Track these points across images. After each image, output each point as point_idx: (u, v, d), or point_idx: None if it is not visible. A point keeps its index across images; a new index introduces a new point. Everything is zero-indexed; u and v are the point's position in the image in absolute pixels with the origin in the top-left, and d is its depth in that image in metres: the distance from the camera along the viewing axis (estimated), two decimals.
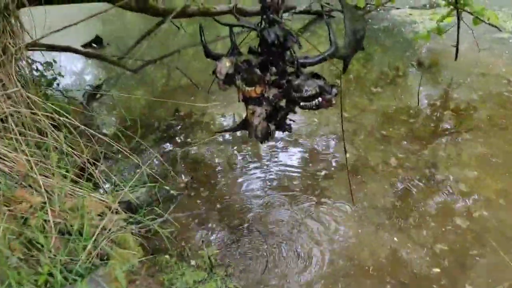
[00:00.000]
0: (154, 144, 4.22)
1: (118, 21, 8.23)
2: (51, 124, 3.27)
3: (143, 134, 4.35)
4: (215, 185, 3.68)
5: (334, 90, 2.53)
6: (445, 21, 5.16)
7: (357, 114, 4.53)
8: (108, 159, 3.97)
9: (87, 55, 4.95)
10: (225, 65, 2.41)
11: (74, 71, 5.64)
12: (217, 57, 2.74)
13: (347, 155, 3.88)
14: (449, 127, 4.34)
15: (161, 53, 6.34)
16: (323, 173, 3.71)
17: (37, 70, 4.27)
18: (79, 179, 3.23)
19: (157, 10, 5.51)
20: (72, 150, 3.13)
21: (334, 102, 2.55)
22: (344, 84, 5.14)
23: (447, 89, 5.12)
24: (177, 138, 4.31)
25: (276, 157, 3.94)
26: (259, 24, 2.65)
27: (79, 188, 3.08)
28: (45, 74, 4.41)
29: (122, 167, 3.84)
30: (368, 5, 7.05)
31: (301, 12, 5.55)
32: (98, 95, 5.00)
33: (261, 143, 2.65)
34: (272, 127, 2.58)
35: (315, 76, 2.55)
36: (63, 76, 4.50)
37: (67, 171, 3.02)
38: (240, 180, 3.72)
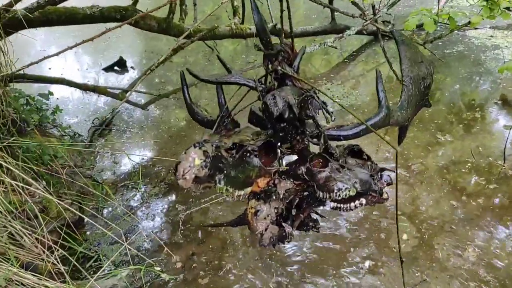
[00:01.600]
0: (154, 201, 3.39)
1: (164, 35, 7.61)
2: None
3: (146, 185, 3.58)
4: (219, 268, 2.77)
5: (387, 178, 1.53)
6: None
7: (418, 172, 3.44)
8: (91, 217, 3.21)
9: (83, 88, 4.26)
10: (192, 163, 1.40)
11: (80, 102, 4.95)
12: (206, 122, 1.83)
13: (404, 236, 2.87)
14: None
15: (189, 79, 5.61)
16: (367, 264, 2.69)
17: (27, 104, 3.60)
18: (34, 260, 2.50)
19: (181, 30, 4.76)
20: (21, 228, 2.36)
21: (387, 197, 1.54)
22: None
23: None
24: (183, 194, 3.45)
25: (305, 234, 2.96)
26: (262, 80, 1.72)
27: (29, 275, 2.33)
28: (40, 107, 3.74)
29: (106, 236, 3.03)
30: (439, 26, 5.91)
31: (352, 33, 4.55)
32: (106, 131, 4.28)
33: (273, 247, 1.66)
34: (289, 228, 1.58)
35: (354, 152, 1.57)
36: (61, 111, 3.80)
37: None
38: (252, 264, 2.79)
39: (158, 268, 2.80)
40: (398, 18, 6.54)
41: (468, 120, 4.15)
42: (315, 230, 1.76)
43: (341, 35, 3.83)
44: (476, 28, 5.84)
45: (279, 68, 1.60)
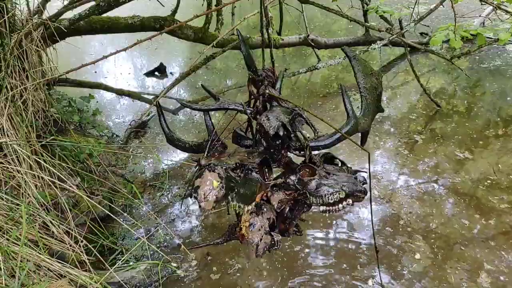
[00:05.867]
0: (177, 202, 3.60)
1: None
2: None
3: (172, 186, 3.81)
4: (229, 267, 2.93)
5: (361, 178, 1.72)
6: None
7: (431, 190, 3.45)
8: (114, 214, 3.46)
9: (119, 93, 4.55)
10: (210, 185, 1.56)
11: (119, 103, 5.29)
12: (187, 148, 2.03)
13: (417, 255, 2.90)
14: None
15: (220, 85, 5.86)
16: (370, 282, 2.75)
17: (69, 106, 3.94)
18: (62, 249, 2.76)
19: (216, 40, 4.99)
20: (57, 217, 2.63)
21: (364, 196, 1.72)
22: (421, 144, 4.05)
23: None
24: None
25: (319, 247, 3.06)
26: (250, 103, 1.89)
27: (55, 262, 2.58)
28: (81, 109, 4.06)
29: (130, 232, 3.26)
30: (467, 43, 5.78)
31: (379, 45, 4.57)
32: (141, 133, 4.57)
33: (261, 256, 1.84)
34: (277, 237, 1.74)
35: (327, 159, 1.76)
36: (100, 113, 4.11)
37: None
38: (260, 266, 2.92)
39: (175, 265, 3.00)
40: (437, 30, 6.45)
41: (493, 136, 4.06)
42: (298, 234, 1.94)
43: (366, 48, 3.91)
44: None
45: (267, 91, 1.77)
